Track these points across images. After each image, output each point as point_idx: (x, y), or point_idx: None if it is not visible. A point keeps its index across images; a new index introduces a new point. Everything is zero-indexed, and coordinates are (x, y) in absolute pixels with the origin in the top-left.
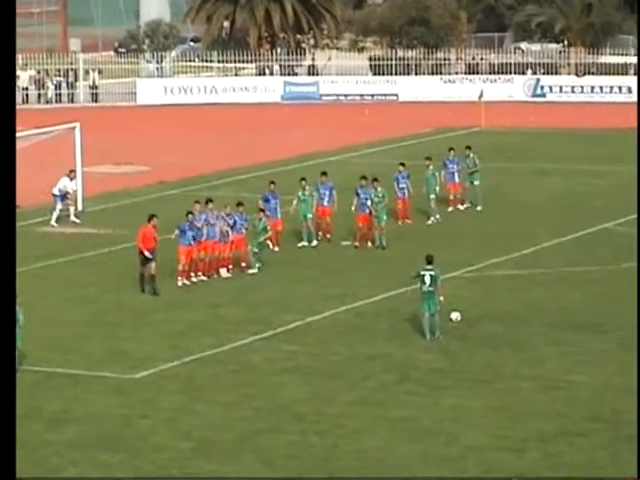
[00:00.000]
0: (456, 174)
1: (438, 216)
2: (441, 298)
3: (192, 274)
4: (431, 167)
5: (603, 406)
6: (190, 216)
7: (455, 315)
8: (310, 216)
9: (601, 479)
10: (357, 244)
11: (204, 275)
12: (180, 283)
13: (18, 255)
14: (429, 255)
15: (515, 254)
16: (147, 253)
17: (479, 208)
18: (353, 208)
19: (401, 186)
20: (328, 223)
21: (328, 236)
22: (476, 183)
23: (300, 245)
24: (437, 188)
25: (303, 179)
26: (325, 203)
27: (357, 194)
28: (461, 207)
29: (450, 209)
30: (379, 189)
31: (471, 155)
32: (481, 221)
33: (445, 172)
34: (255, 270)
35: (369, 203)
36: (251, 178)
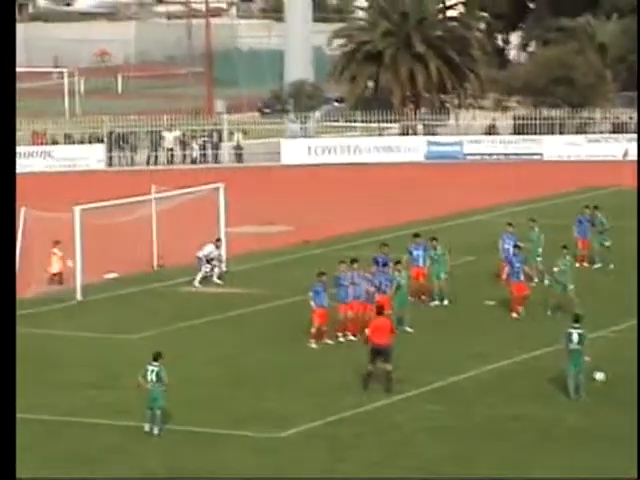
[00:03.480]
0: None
1: (547, 276)
2: (587, 358)
3: (339, 334)
4: (536, 228)
5: None
6: (323, 277)
7: (600, 375)
8: (443, 276)
9: (601, 479)
10: (516, 315)
11: (353, 335)
12: (313, 345)
13: (161, 315)
14: (577, 313)
15: None
16: (381, 346)
17: (612, 266)
18: (504, 276)
19: (505, 247)
20: (421, 284)
21: (423, 297)
22: (607, 244)
23: (433, 305)
24: (540, 249)
25: (434, 239)
26: (420, 264)
27: (509, 262)
28: (586, 264)
29: (577, 265)
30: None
31: (599, 215)
32: (628, 281)
33: (578, 229)
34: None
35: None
36: (394, 238)
